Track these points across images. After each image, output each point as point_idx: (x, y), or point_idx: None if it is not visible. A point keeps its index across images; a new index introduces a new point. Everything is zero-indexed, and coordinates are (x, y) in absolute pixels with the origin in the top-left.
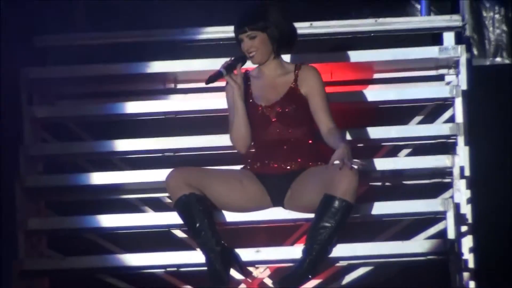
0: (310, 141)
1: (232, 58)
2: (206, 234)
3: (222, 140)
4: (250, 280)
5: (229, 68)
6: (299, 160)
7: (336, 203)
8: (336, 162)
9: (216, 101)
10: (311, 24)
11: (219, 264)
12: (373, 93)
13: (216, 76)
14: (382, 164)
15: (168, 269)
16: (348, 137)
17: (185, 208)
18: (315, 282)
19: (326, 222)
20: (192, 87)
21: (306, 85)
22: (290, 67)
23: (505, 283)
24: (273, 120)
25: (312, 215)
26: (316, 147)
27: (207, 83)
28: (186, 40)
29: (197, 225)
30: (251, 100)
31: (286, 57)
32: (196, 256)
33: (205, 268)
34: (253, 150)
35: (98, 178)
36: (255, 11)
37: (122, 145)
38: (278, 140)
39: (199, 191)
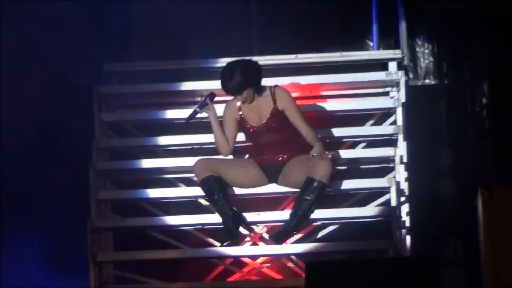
0: (293, 140)
1: (203, 97)
2: (222, 203)
3: None
4: (253, 234)
5: (202, 105)
6: (286, 154)
7: (315, 183)
8: (314, 154)
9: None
10: (296, 56)
11: (231, 223)
12: (340, 104)
13: (193, 114)
14: (345, 154)
15: (196, 227)
16: (321, 134)
17: (207, 186)
18: (298, 236)
19: (308, 196)
20: (214, 100)
21: (281, 104)
22: (267, 91)
23: (430, 236)
24: (263, 132)
25: (297, 190)
26: (298, 142)
27: (186, 121)
28: (208, 67)
29: (215, 197)
30: (245, 124)
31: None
32: (215, 218)
33: (222, 226)
34: (253, 148)
35: (147, 163)
36: (234, 82)
37: (164, 140)
38: (269, 143)
39: (216, 173)
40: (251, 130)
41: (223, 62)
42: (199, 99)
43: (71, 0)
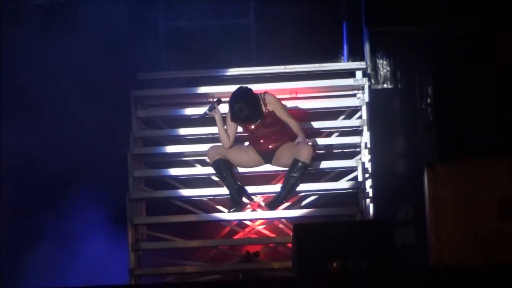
0: (282, 131)
1: (212, 102)
2: (229, 179)
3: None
4: (252, 203)
5: (211, 109)
6: (277, 142)
7: (300, 164)
8: (299, 141)
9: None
10: (285, 67)
11: (236, 195)
12: (318, 103)
13: (203, 115)
14: (323, 141)
15: (208, 197)
16: (305, 126)
17: (217, 166)
18: (287, 204)
19: (294, 173)
20: (222, 100)
21: (271, 106)
22: (261, 108)
23: (388, 204)
24: (259, 128)
25: (286, 169)
26: (286, 133)
27: (200, 117)
28: (217, 75)
29: (224, 175)
30: (246, 125)
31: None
32: (223, 191)
33: (228, 197)
34: (251, 138)
35: (171, 149)
36: (249, 115)
37: (184, 131)
38: (264, 135)
39: (224, 157)
40: (250, 128)
41: (229, 71)
42: (211, 100)
43: (115, 23)
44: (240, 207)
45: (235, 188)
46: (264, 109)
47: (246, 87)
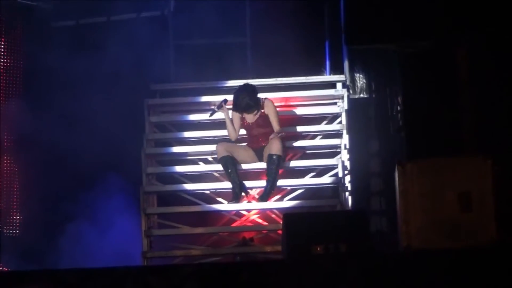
0: (271, 133)
1: (220, 102)
2: (234, 175)
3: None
4: (248, 196)
5: (219, 107)
6: (265, 142)
7: (274, 156)
8: (271, 137)
9: (230, 114)
10: (276, 79)
11: (237, 189)
12: (304, 110)
13: (212, 113)
14: (308, 142)
15: (210, 190)
16: (292, 130)
17: (224, 162)
18: (277, 197)
19: (271, 166)
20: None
21: (267, 109)
22: (260, 101)
23: (364, 197)
24: (254, 127)
25: None
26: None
27: (210, 116)
28: (218, 86)
29: (229, 170)
30: (244, 120)
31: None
32: (223, 185)
33: (229, 190)
34: (248, 138)
35: (179, 149)
36: (249, 103)
37: (191, 134)
38: (257, 134)
39: (231, 153)
40: (246, 124)
41: (228, 83)
42: (214, 106)
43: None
44: (239, 199)
45: (238, 183)
46: (262, 111)
47: (250, 83)
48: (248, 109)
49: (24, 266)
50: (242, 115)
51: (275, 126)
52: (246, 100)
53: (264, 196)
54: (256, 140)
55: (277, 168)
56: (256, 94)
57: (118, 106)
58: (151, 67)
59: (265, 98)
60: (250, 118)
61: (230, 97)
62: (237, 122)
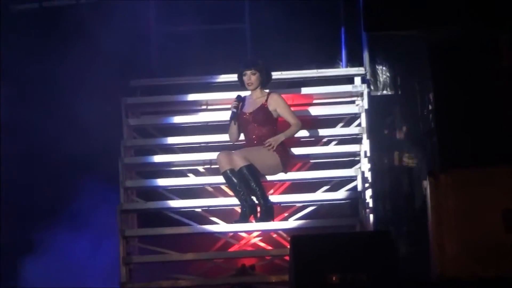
0: (269, 136)
1: (235, 100)
2: (245, 193)
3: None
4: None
5: (236, 107)
6: (262, 142)
7: (244, 170)
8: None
9: (226, 116)
10: (281, 73)
11: (248, 208)
12: (315, 110)
13: (234, 115)
14: (321, 150)
15: (202, 208)
16: (299, 134)
17: (226, 178)
18: (284, 215)
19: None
20: (215, 107)
21: (273, 104)
22: (265, 93)
23: (389, 215)
24: (250, 121)
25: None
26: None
27: (231, 120)
28: (210, 82)
29: (251, 185)
30: (242, 110)
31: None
32: (218, 201)
33: (223, 207)
34: (243, 140)
35: (164, 158)
36: (255, 60)
37: (177, 140)
38: (252, 134)
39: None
40: (244, 116)
41: (222, 78)
42: (204, 107)
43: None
44: (247, 220)
45: (249, 200)
46: (262, 102)
47: None
48: (251, 65)
49: None
50: (241, 105)
51: (290, 119)
52: (258, 61)
53: (265, 214)
54: (250, 142)
55: (252, 177)
56: (269, 77)
57: (90, 107)
58: (130, 59)
59: (271, 91)
60: (247, 107)
61: (242, 93)
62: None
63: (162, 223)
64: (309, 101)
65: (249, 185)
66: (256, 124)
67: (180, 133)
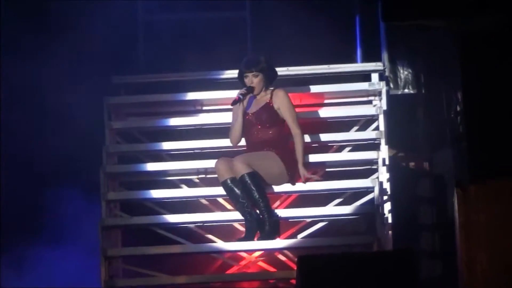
0: (275, 142)
1: (245, 89)
2: (251, 210)
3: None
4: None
5: (244, 95)
6: (267, 147)
7: (246, 178)
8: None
9: (224, 117)
10: (287, 68)
11: (255, 223)
12: (327, 112)
13: (238, 100)
14: (333, 157)
15: (196, 224)
16: (310, 140)
17: (227, 188)
18: (290, 232)
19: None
20: (212, 108)
21: (277, 102)
22: (270, 90)
23: (410, 231)
24: (253, 122)
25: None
26: (281, 144)
27: (232, 104)
28: (207, 79)
29: (240, 199)
30: (247, 111)
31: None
32: (214, 216)
33: (220, 224)
34: (245, 144)
35: (152, 166)
36: (257, 59)
37: (167, 145)
38: (255, 137)
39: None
40: (246, 116)
41: (221, 74)
42: (199, 107)
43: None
44: (253, 238)
45: (254, 217)
46: (267, 100)
47: None
48: (252, 66)
49: None
50: (244, 105)
51: (292, 125)
52: (256, 57)
53: (269, 231)
54: (253, 147)
55: (255, 187)
56: (274, 75)
57: (66, 106)
58: (112, 52)
59: (277, 87)
60: (252, 105)
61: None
62: (238, 116)
63: (150, 241)
64: (320, 101)
65: (251, 195)
66: (260, 126)
67: (171, 137)
